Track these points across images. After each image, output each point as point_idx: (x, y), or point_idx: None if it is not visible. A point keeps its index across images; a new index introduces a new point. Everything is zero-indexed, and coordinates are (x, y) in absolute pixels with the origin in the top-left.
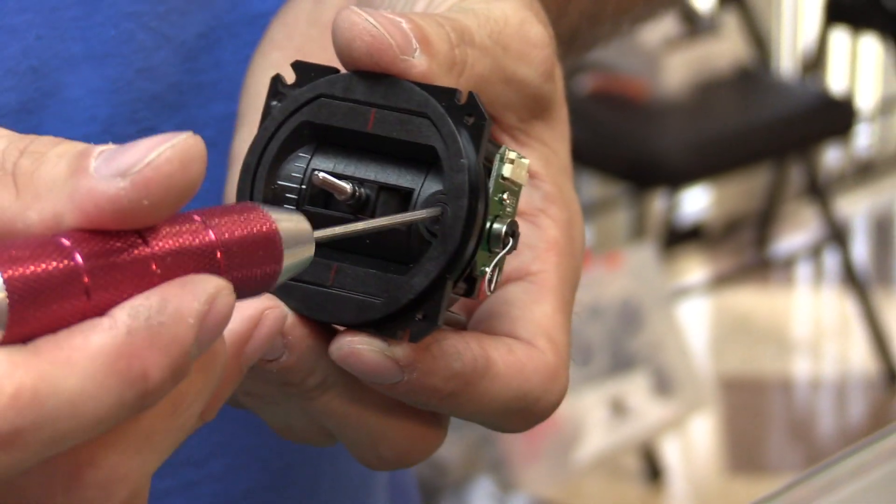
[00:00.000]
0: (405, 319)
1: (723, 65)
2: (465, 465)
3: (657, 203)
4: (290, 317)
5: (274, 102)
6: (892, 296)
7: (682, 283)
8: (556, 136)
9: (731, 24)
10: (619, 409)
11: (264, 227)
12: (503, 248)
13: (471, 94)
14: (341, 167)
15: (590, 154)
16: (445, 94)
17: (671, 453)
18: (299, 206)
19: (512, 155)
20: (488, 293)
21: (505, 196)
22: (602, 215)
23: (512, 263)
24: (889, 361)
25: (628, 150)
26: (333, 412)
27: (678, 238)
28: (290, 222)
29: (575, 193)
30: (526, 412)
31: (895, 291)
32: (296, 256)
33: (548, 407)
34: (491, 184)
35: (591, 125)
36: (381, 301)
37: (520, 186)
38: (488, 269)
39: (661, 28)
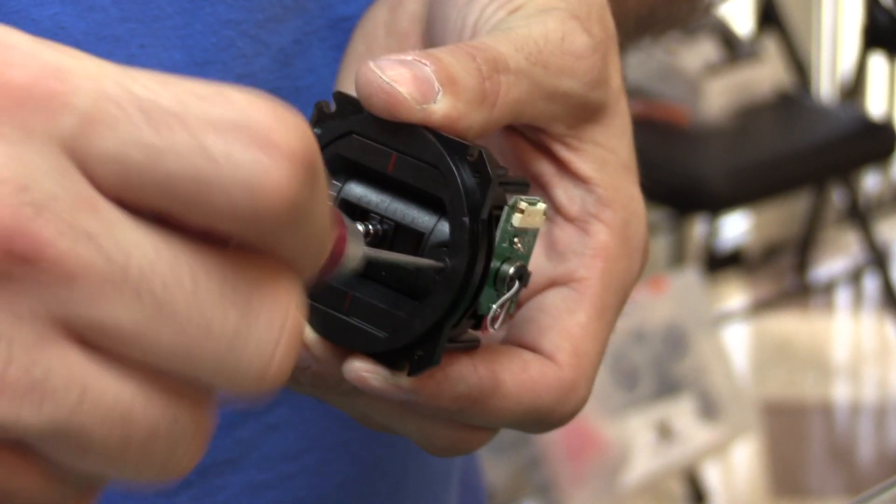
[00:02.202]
0: (406, 355)
1: (763, 90)
2: (513, 488)
3: (697, 228)
4: (312, 333)
5: (316, 130)
6: None
7: (723, 308)
8: (613, 134)
9: (771, 50)
10: (665, 432)
11: (339, 228)
12: (508, 291)
13: (480, 153)
14: (367, 199)
15: None
16: (459, 149)
17: (714, 477)
18: None
19: (523, 205)
20: (492, 330)
21: (515, 241)
22: None
23: (557, 269)
24: None
25: (669, 175)
26: (377, 411)
27: (718, 263)
28: (353, 229)
29: (637, 190)
30: (539, 423)
31: None
32: (350, 260)
33: (562, 419)
34: (498, 233)
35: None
36: (385, 336)
37: (535, 230)
38: (494, 307)
39: (702, 54)
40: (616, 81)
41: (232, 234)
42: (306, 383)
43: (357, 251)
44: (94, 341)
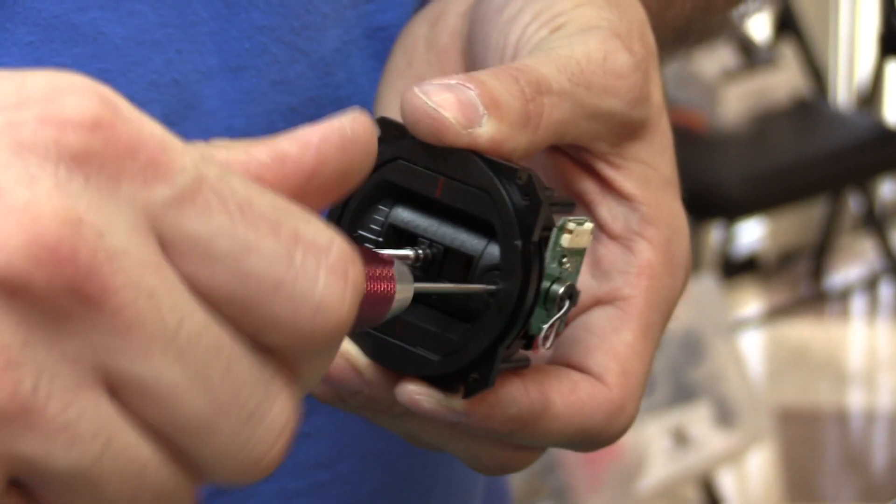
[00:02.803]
0: (461, 377)
1: (780, 96)
2: (529, 493)
3: (714, 235)
4: (364, 358)
5: None
6: None
7: (738, 314)
8: (655, 151)
9: (788, 56)
10: (681, 438)
11: (387, 272)
12: (558, 311)
13: (529, 177)
14: (415, 224)
15: None
16: (508, 173)
17: (729, 484)
18: None
19: (571, 225)
20: (543, 350)
21: (564, 261)
22: None
23: (603, 288)
24: None
25: (686, 181)
26: (427, 432)
27: (734, 270)
28: (402, 270)
29: (680, 206)
30: (588, 443)
31: None
32: (399, 302)
33: (611, 438)
34: (548, 254)
35: None
36: (438, 360)
37: (583, 249)
38: (545, 327)
39: (719, 60)
40: (657, 98)
41: (273, 337)
42: (356, 405)
43: (406, 292)
44: (125, 394)
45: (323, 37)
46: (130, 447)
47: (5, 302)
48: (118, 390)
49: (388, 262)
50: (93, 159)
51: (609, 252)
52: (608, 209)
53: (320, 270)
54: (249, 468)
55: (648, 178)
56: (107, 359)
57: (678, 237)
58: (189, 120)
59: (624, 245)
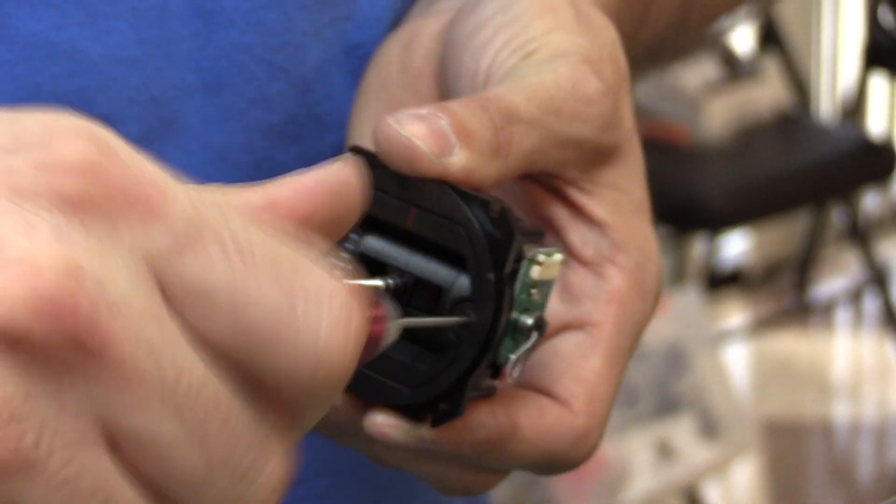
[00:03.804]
0: (430, 407)
1: (763, 109)
2: None
3: (698, 247)
4: None
5: None
6: None
7: (723, 327)
8: (626, 175)
9: (772, 69)
10: (665, 451)
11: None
12: (526, 341)
13: (502, 209)
14: (385, 253)
15: None
16: (481, 205)
17: (714, 496)
18: None
19: (541, 257)
20: (509, 380)
21: (533, 292)
22: None
23: (572, 313)
24: None
25: (669, 193)
26: (393, 455)
27: (719, 282)
28: (390, 312)
29: (651, 230)
30: (552, 467)
31: None
32: (388, 339)
33: (575, 463)
34: (517, 285)
35: None
36: (408, 391)
37: (552, 280)
38: (512, 357)
39: (702, 72)
40: (628, 122)
41: (272, 388)
42: (321, 426)
43: (394, 330)
44: (122, 447)
45: (303, 55)
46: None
47: (7, 354)
48: (116, 443)
49: (379, 302)
50: (89, 204)
51: (579, 278)
52: (579, 235)
53: (322, 321)
54: None
55: (619, 203)
56: (105, 411)
57: (649, 262)
58: (168, 137)
59: (594, 271)
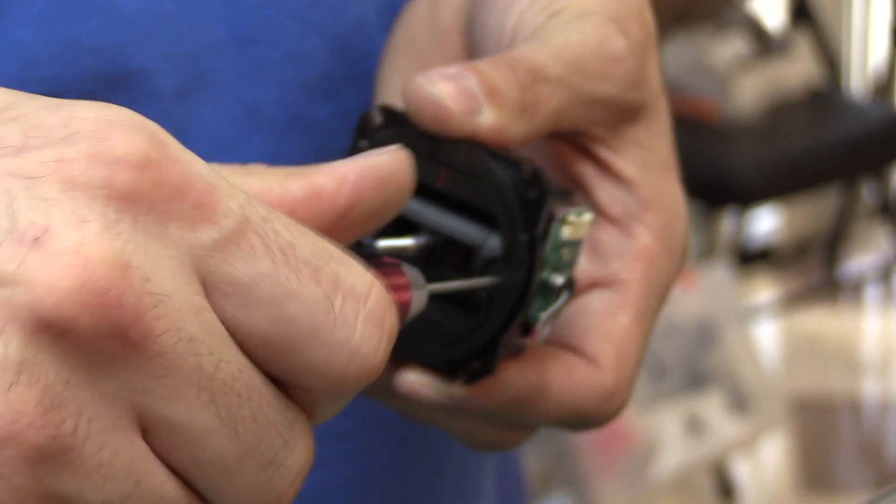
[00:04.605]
0: (461, 366)
1: (794, 85)
2: (542, 479)
3: (727, 223)
4: None
5: (363, 142)
6: None
7: (752, 303)
8: (653, 134)
9: (803, 45)
10: (694, 426)
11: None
12: (556, 300)
13: (534, 171)
14: (416, 212)
15: None
16: (511, 166)
17: (742, 471)
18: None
19: (571, 217)
20: (539, 339)
21: (563, 252)
22: None
23: (600, 271)
24: None
25: (699, 169)
26: (422, 410)
27: (748, 258)
28: (414, 275)
29: (678, 188)
30: (580, 424)
31: None
32: (415, 309)
33: (602, 420)
34: (548, 245)
35: None
36: (440, 349)
37: (581, 240)
38: (543, 316)
39: (733, 49)
40: (655, 80)
41: (305, 379)
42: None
43: (421, 298)
44: (156, 434)
45: (339, 13)
46: (159, 486)
47: (52, 343)
48: (150, 429)
49: (403, 275)
50: (141, 200)
51: (607, 236)
52: (606, 193)
53: (358, 318)
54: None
55: (647, 161)
56: (142, 399)
57: (676, 221)
58: (201, 92)
59: (622, 229)
